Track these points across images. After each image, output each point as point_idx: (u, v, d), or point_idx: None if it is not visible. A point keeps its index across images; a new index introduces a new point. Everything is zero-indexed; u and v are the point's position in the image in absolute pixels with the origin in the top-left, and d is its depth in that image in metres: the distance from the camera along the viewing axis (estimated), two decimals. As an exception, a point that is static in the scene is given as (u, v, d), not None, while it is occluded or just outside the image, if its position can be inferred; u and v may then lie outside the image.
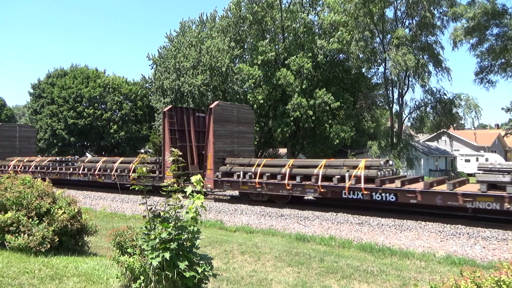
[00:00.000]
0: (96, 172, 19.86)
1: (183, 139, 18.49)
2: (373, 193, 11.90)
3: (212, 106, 16.21)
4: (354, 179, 12.26)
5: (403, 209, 13.47)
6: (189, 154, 18.56)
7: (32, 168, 23.22)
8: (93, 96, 38.70)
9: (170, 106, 18.47)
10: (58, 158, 24.22)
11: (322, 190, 12.84)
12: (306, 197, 15.07)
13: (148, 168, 17.96)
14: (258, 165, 14.73)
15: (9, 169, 23.82)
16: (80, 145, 40.61)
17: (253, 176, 14.51)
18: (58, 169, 22.18)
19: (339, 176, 12.57)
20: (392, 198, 11.63)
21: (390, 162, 13.75)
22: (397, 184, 11.67)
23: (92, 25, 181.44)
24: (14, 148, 26.67)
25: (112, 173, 19.02)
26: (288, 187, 13.61)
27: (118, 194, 18.48)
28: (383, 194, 11.74)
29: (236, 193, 17.20)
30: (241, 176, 14.80)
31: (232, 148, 17.03)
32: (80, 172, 20.72)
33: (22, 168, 23.75)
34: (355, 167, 12.68)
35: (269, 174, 14.20)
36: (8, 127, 27.88)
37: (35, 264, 5.63)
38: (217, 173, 15.59)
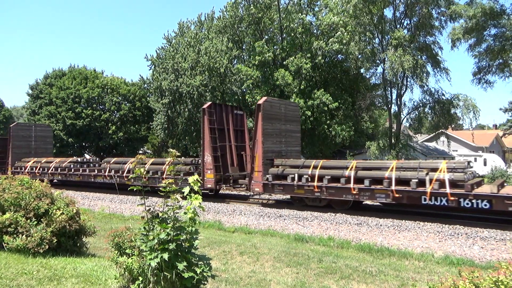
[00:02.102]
0: (124, 174, 18.50)
1: (223, 138, 17.37)
2: (461, 199, 10.70)
3: (260, 102, 14.96)
4: (437, 183, 11.01)
5: (401, 209, 13.51)
6: (228, 154, 17.54)
7: (52, 170, 22.23)
8: (91, 96, 38.62)
9: (209, 103, 17.17)
10: (79, 159, 23.17)
11: (396, 195, 11.63)
12: (366, 202, 14.02)
13: (185, 169, 17.23)
14: (315, 167, 13.53)
15: (26, 170, 22.99)
16: (79, 145, 40.53)
17: (309, 179, 13.37)
18: (81, 171, 21.13)
19: (417, 180, 11.34)
20: (486, 205, 10.45)
21: (471, 164, 12.57)
22: (492, 189, 10.65)
23: (90, 26, 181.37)
24: (30, 148, 25.70)
25: (143, 175, 17.99)
26: (354, 192, 12.37)
27: (117, 194, 18.45)
28: (474, 201, 10.55)
29: (278, 197, 16.33)
30: (296, 179, 13.62)
31: (280, 148, 15.75)
32: (106, 174, 19.56)
33: (40, 169, 22.79)
34: (434, 169, 11.46)
35: (329, 177, 13.00)
36: (23, 126, 26.72)
37: (33, 265, 5.61)
38: (267, 176, 14.42)
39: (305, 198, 14.03)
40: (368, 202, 13.94)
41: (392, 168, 12.02)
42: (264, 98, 15.30)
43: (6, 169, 24.71)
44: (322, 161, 13.94)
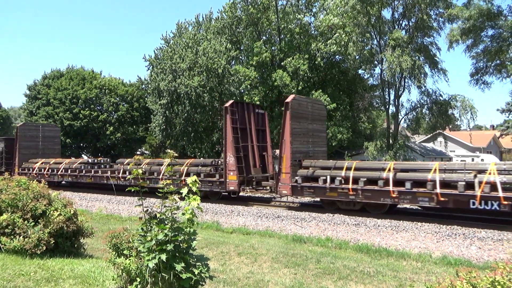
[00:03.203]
0: (140, 176, 17.83)
1: (245, 138, 16.62)
2: None
3: (288, 100, 14.22)
4: (487, 186, 10.30)
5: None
6: (251, 155, 16.79)
7: (61, 171, 21.63)
8: (89, 97, 38.57)
9: (231, 101, 16.61)
10: (90, 160, 22.40)
11: (441, 198, 10.95)
12: (403, 206, 13.37)
13: (205, 171, 16.12)
14: (348, 168, 12.86)
15: (34, 172, 22.41)
16: (76, 146, 40.45)
17: (343, 181, 12.71)
18: (93, 172, 20.40)
19: (464, 182, 10.65)
20: None
21: None
22: None
23: (87, 27, 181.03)
24: (37, 149, 24.92)
25: (160, 177, 17.00)
26: (394, 195, 11.71)
27: (114, 195, 18.42)
28: None
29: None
30: (328, 181, 12.93)
31: (307, 148, 15.01)
32: (120, 175, 18.79)
33: (49, 171, 22.15)
34: (482, 171, 10.79)
35: (365, 179, 12.34)
36: (30, 126, 25.98)
37: (30, 266, 5.59)
38: (296, 178, 13.75)
39: (337, 202, 13.38)
40: (405, 206, 13.27)
41: (435, 169, 11.39)
42: (292, 96, 14.58)
43: (13, 170, 23.86)
44: (355, 162, 13.38)
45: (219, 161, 16.75)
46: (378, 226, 11.55)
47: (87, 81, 39.94)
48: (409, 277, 7.33)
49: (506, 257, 8.60)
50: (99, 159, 23.74)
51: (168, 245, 3.91)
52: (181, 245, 4.05)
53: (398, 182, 11.90)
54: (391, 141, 29.15)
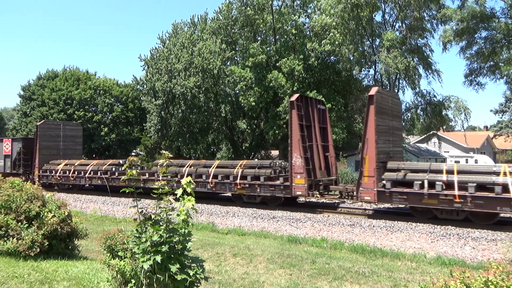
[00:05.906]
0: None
1: (310, 137, 15.00)
2: None
3: (372, 92, 12.62)
4: None
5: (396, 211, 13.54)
6: (316, 156, 15.16)
7: (89, 174, 19.99)
8: (83, 98, 38.38)
9: (297, 95, 14.82)
10: (121, 161, 20.52)
11: None
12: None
13: (264, 174, 14.75)
14: (449, 172, 11.24)
15: (57, 174, 21.06)
16: (71, 147, 40.24)
17: (444, 187, 11.18)
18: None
19: None
20: None
21: None
22: None
23: (82, 28, 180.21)
24: (58, 149, 23.50)
25: (210, 180, 15.57)
26: None
27: (109, 197, 18.34)
28: None
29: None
30: (426, 186, 11.28)
31: (389, 148, 13.41)
32: (161, 178, 16.44)
33: (75, 173, 20.53)
34: None
35: (475, 184, 10.74)
36: (51, 125, 24.42)
37: (24, 268, 5.56)
38: (383, 182, 12.17)
39: (435, 210, 11.80)
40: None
41: None
42: (375, 89, 13.06)
43: (32, 172, 22.63)
44: (455, 165, 12.04)
45: (277, 163, 15.70)
46: (373, 226, 11.60)
47: (81, 82, 39.76)
48: (404, 277, 7.37)
49: (499, 257, 8.67)
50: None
51: (163, 246, 3.90)
52: (176, 246, 4.05)
53: None
54: (385, 142, 29.27)
